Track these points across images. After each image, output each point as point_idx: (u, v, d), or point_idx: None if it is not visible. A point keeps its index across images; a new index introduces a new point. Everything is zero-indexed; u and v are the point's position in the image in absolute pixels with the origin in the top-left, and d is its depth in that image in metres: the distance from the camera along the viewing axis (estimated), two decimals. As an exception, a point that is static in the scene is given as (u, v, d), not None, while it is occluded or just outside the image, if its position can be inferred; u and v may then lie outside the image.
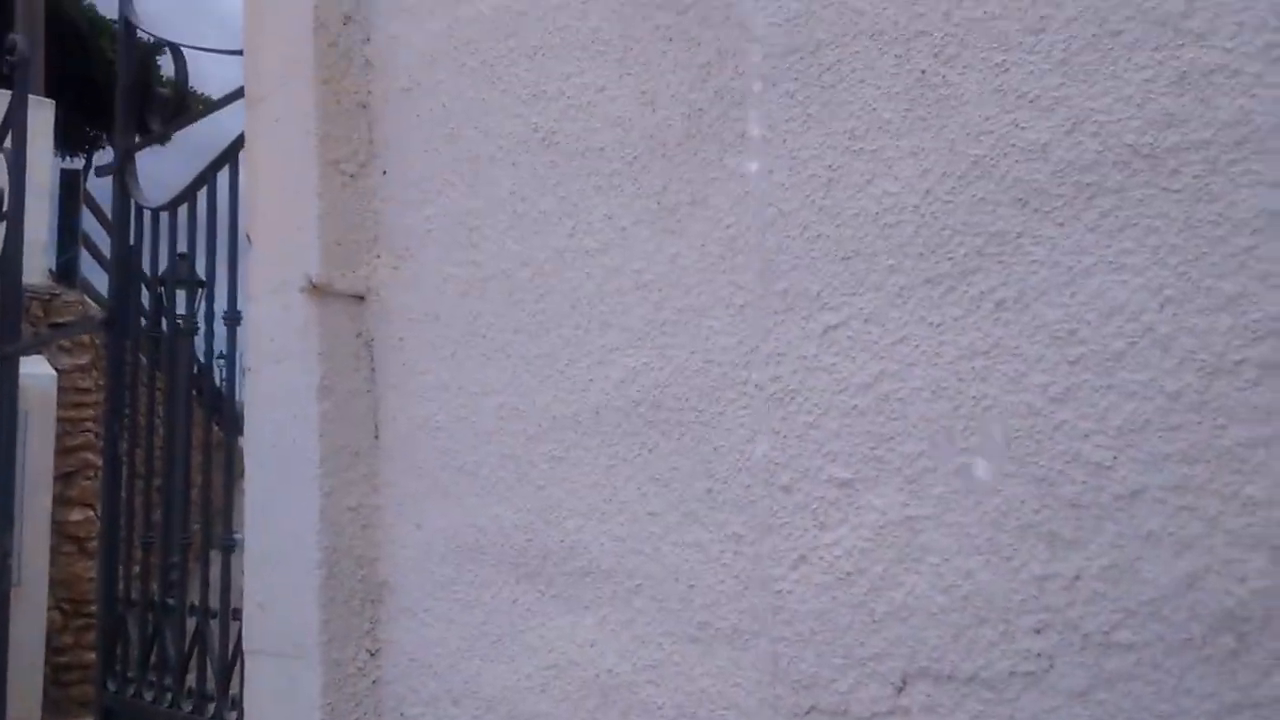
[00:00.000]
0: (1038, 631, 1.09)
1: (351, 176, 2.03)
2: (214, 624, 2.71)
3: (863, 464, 1.25)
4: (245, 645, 2.12)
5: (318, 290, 1.96)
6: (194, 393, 3.35)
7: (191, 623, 2.86)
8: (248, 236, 2.22)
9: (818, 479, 1.29)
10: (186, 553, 2.93)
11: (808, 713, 1.28)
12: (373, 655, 1.93)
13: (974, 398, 1.17)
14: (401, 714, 1.88)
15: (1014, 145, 1.16)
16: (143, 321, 3.40)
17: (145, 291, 3.32)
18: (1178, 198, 1.05)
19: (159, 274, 3.22)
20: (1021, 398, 1.13)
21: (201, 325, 3.09)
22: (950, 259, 1.21)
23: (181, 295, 3.25)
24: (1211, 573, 0.99)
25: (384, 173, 2.04)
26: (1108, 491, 1.05)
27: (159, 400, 3.32)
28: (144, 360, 3.55)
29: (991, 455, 1.14)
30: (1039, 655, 1.09)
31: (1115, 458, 1.06)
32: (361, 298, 2.02)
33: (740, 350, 1.40)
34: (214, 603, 2.73)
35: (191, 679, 2.82)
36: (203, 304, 3.14)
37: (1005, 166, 1.17)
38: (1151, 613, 1.02)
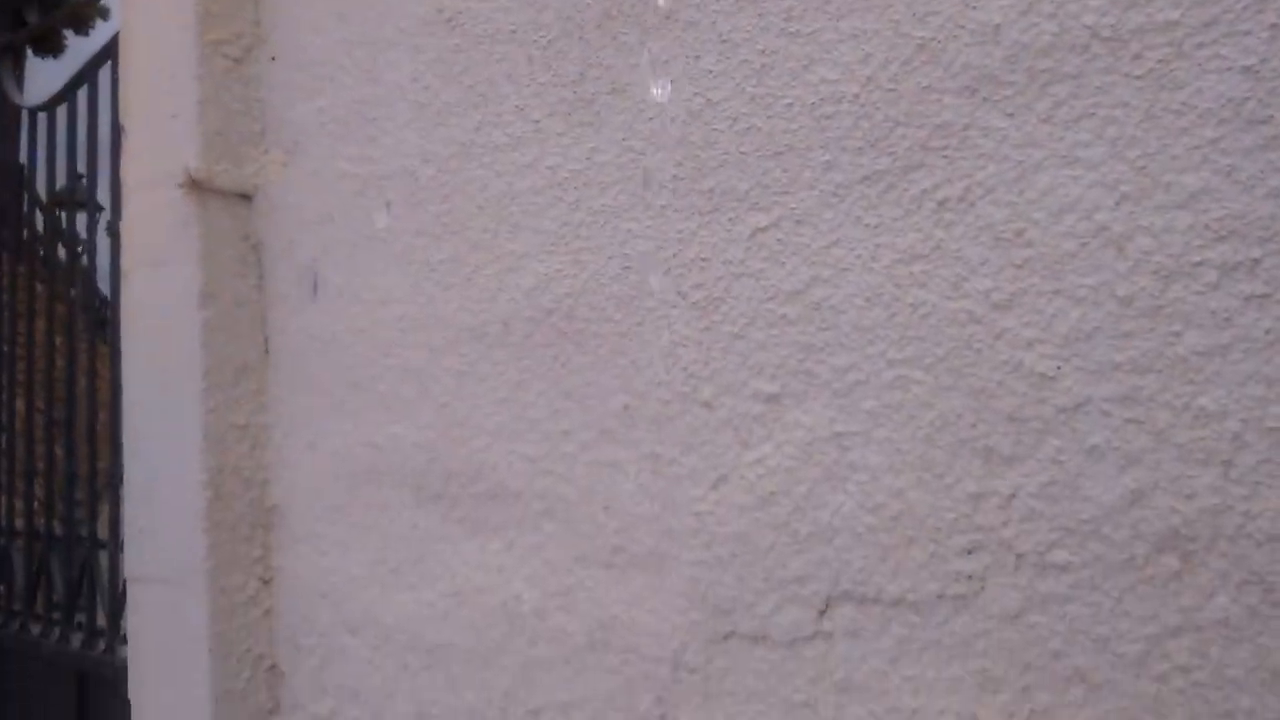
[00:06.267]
0: (969, 552, 1.09)
1: (236, 61, 1.92)
2: (104, 555, 2.59)
3: (790, 377, 1.23)
4: (128, 572, 2.03)
5: (197, 186, 1.86)
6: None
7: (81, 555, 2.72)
8: (122, 126, 2.08)
9: (742, 394, 1.27)
10: (75, 482, 2.77)
11: (726, 638, 1.28)
12: (265, 583, 1.88)
13: (911, 305, 1.14)
14: (296, 645, 1.84)
15: (963, 27, 1.09)
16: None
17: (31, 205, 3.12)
18: (1139, 85, 0.99)
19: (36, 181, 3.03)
20: (962, 304, 1.10)
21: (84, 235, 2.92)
22: (891, 154, 1.16)
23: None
24: (1158, 489, 0.98)
25: (272, 59, 1.92)
26: (1050, 404, 1.04)
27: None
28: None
29: (927, 367, 1.13)
30: (969, 577, 1.09)
31: (1059, 368, 1.03)
32: (248, 196, 1.92)
33: (661, 255, 1.35)
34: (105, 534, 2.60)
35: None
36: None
37: (953, 51, 1.10)
38: (1091, 531, 1.02)
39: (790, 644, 1.23)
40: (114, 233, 2.51)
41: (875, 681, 1.16)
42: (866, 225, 1.18)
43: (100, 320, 3.19)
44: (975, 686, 1.09)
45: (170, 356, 1.90)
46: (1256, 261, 0.95)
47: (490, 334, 1.55)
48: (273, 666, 1.87)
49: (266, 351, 1.91)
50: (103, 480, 2.69)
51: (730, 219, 1.29)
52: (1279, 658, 0.92)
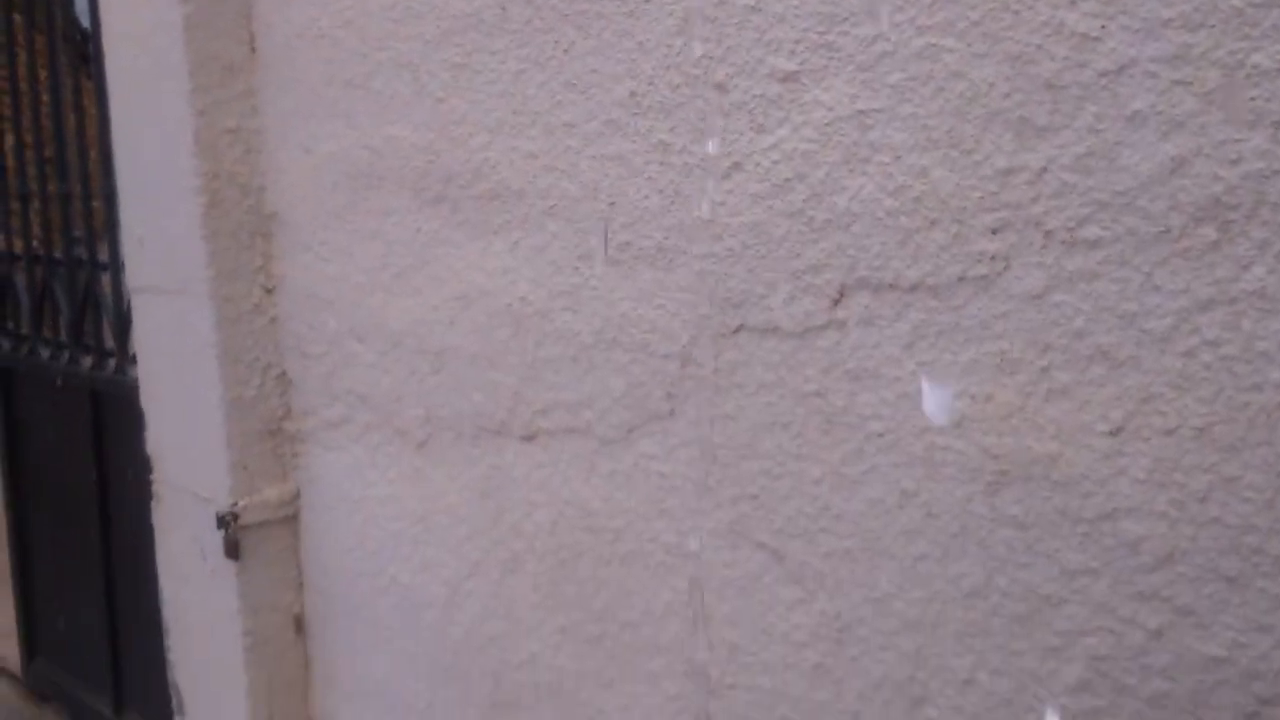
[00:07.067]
0: (995, 231, 1.04)
1: None
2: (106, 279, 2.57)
3: (810, 52, 1.14)
4: (130, 284, 2.01)
5: None
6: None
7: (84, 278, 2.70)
8: None
9: (757, 73, 1.19)
10: (70, 205, 2.72)
11: (735, 331, 1.25)
12: (268, 292, 1.85)
13: (948, -33, 1.03)
14: (303, 352, 1.83)
15: None
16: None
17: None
18: None
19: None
20: (1003, -36, 1.00)
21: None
22: None
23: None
24: (1200, 156, 0.91)
25: None
26: (1091, 68, 0.96)
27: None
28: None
29: (960, 33, 1.04)
30: (993, 257, 1.04)
31: (1104, 27, 0.95)
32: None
33: (671, -76, 1.23)
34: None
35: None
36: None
37: None
38: (1126, 204, 0.96)
39: (802, 334, 1.20)
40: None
41: (888, 368, 1.13)
42: (900, -128, 1.06)
43: (82, 55, 3.05)
44: (992, 368, 1.06)
45: (153, 57, 1.80)
46: (1333, -104, 0.84)
47: (487, 20, 1.44)
48: (281, 374, 1.87)
49: (253, 50, 1.81)
50: (99, 217, 2.64)
51: (747, -126, 1.17)
52: (1315, 327, 0.88)
